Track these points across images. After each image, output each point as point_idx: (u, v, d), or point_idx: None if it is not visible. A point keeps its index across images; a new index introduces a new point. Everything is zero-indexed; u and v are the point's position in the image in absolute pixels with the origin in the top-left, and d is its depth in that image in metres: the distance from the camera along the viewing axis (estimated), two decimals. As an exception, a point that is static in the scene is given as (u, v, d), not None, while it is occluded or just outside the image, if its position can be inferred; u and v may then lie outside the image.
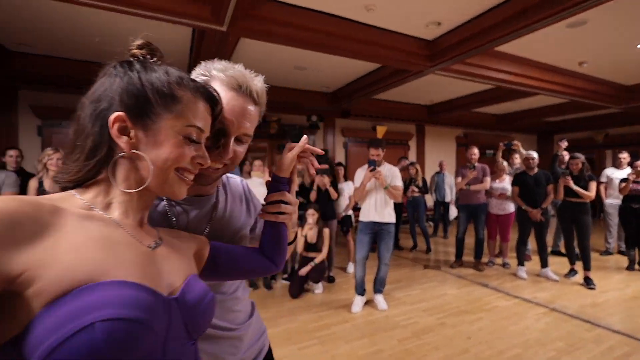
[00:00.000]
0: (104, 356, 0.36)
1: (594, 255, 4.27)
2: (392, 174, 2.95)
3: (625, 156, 4.61)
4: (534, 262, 4.29)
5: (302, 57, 4.16)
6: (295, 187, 0.75)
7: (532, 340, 2.43)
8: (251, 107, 0.67)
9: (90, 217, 0.46)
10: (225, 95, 0.64)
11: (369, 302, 3.10)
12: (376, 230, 2.98)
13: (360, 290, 3.03)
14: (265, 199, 0.73)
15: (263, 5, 2.82)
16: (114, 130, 0.47)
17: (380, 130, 7.03)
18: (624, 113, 6.63)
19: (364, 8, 2.97)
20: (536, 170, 3.82)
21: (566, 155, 4.39)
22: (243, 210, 0.83)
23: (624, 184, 4.12)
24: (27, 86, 4.43)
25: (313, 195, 3.80)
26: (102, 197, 0.50)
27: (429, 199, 6.12)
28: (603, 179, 4.83)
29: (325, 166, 3.92)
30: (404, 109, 7.05)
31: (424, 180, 5.30)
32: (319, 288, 3.46)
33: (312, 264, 3.40)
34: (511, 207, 4.18)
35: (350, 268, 4.14)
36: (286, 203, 0.71)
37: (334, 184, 3.90)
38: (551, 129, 9.14)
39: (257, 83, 0.69)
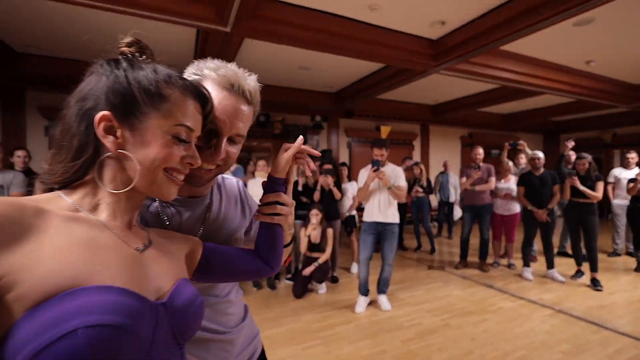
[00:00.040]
0: None
1: (601, 257, 4.22)
2: (395, 174, 2.94)
3: (633, 156, 4.54)
4: (540, 263, 4.25)
5: (306, 57, 4.16)
6: (291, 188, 0.74)
7: (537, 342, 2.41)
8: (244, 107, 0.66)
9: (76, 219, 0.45)
10: (217, 94, 0.63)
11: (372, 303, 3.10)
12: (380, 230, 2.97)
13: (364, 291, 3.02)
14: (260, 200, 0.72)
15: (267, 6, 2.83)
16: (99, 130, 0.46)
17: (385, 130, 7.01)
18: (632, 112, 6.54)
19: (367, 8, 2.96)
20: (542, 170, 3.78)
21: (573, 155, 4.34)
22: (238, 212, 0.81)
23: (632, 184, 4.06)
24: (35, 87, 4.49)
25: (317, 196, 3.80)
26: (90, 199, 0.49)
27: (434, 199, 6.09)
28: (611, 179, 4.77)
29: (329, 166, 3.92)
30: (408, 109, 7.02)
31: (428, 181, 5.27)
32: (322, 288, 3.46)
33: (315, 264, 3.40)
34: (517, 208, 4.14)
35: (354, 268, 4.13)
36: (282, 204, 0.70)
37: (338, 184, 3.89)
38: (558, 129, 9.04)
39: (250, 82, 0.67)
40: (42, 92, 4.59)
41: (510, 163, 4.33)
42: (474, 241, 4.42)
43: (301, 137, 0.73)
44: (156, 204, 0.68)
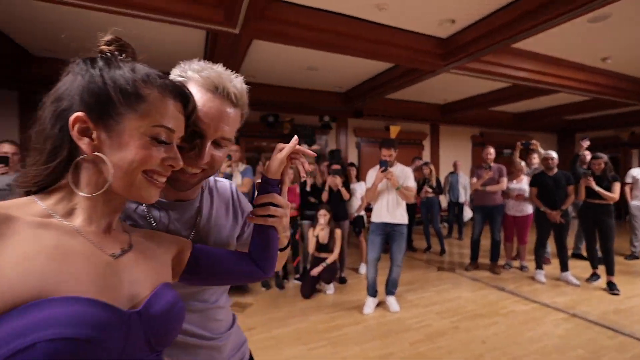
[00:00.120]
0: None
1: (618, 259, 4.09)
2: (404, 174, 2.92)
3: (652, 155, 4.39)
4: (554, 266, 4.14)
5: (314, 58, 4.16)
6: (286, 189, 0.73)
7: (550, 347, 2.35)
8: (229, 110, 0.64)
9: (46, 226, 0.43)
10: (201, 97, 0.61)
11: (381, 304, 3.08)
12: (388, 231, 2.95)
13: (372, 292, 3.01)
14: (254, 202, 0.71)
15: (275, 7, 2.84)
16: (74, 132, 0.45)
17: (394, 130, 6.96)
18: (652, 110, 6.33)
19: (375, 7, 2.94)
20: (555, 170, 3.69)
21: (588, 155, 4.22)
22: (230, 216, 0.80)
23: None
24: (50, 90, 4.61)
25: (325, 196, 3.80)
26: (65, 203, 0.47)
27: (443, 200, 6.01)
28: (628, 180, 4.62)
29: (338, 166, 3.91)
30: (418, 109, 6.95)
31: (438, 181, 5.21)
32: (330, 289, 3.46)
33: (323, 264, 3.39)
34: (529, 209, 4.06)
35: (363, 269, 4.11)
36: (276, 206, 0.69)
37: (346, 184, 3.88)
38: (573, 127, 8.81)
39: (236, 84, 0.64)
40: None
41: (523, 163, 4.25)
42: (485, 242, 4.34)
43: (296, 137, 0.71)
44: (143, 206, 0.67)
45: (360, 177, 4.47)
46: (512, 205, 4.13)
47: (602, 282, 3.59)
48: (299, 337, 2.52)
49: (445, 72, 4.06)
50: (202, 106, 0.60)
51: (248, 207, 0.84)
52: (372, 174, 3.00)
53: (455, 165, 5.95)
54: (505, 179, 4.00)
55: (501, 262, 4.31)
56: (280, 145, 0.70)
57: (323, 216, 3.49)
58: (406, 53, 3.58)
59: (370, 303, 2.98)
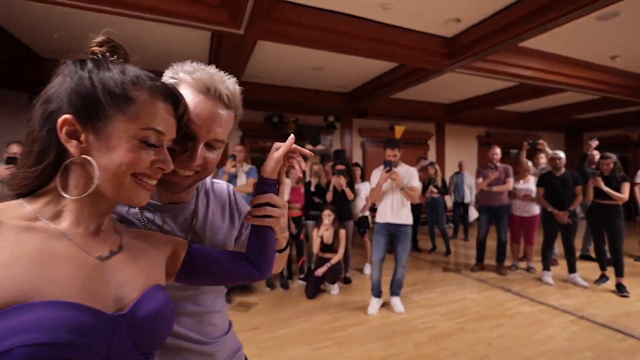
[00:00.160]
0: None
1: (628, 261, 4.02)
2: (409, 174, 2.91)
3: (663, 155, 4.32)
4: (561, 267, 4.09)
5: (319, 58, 4.16)
6: (283, 189, 0.72)
7: (557, 350, 2.32)
8: (222, 111, 0.63)
9: (31, 229, 0.43)
10: (192, 99, 0.60)
11: (385, 305, 3.06)
12: (392, 231, 2.94)
13: (377, 292, 3.00)
14: (251, 202, 0.70)
15: (279, 7, 2.85)
16: (62, 134, 0.44)
17: (399, 130, 6.93)
18: (662, 109, 6.22)
19: (380, 7, 2.93)
20: (563, 170, 3.65)
21: (597, 155, 4.16)
22: (226, 219, 0.79)
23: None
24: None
25: (329, 196, 3.80)
26: (53, 206, 0.47)
27: (449, 200, 5.97)
28: (638, 180, 4.55)
29: (342, 167, 3.90)
30: (423, 108, 6.91)
31: (443, 181, 5.18)
32: (335, 289, 3.46)
33: (328, 264, 3.39)
34: (536, 209, 4.01)
35: (367, 269, 4.10)
36: (273, 206, 0.68)
37: (351, 184, 3.88)
38: (581, 127, 8.69)
39: (229, 85, 0.64)
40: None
41: (530, 163, 4.20)
42: (491, 243, 4.30)
43: (292, 136, 0.71)
44: (135, 209, 0.66)
45: (364, 177, 4.46)
46: (519, 206, 4.09)
47: (611, 284, 3.53)
48: (303, 337, 2.52)
49: (450, 72, 4.04)
50: (194, 108, 0.60)
51: (246, 208, 0.84)
52: (377, 174, 2.99)
53: (460, 165, 5.90)
54: (511, 180, 3.97)
55: (507, 263, 4.26)
56: (277, 144, 0.69)
57: (327, 216, 3.49)
58: (411, 52, 3.56)
59: (374, 303, 2.97)
